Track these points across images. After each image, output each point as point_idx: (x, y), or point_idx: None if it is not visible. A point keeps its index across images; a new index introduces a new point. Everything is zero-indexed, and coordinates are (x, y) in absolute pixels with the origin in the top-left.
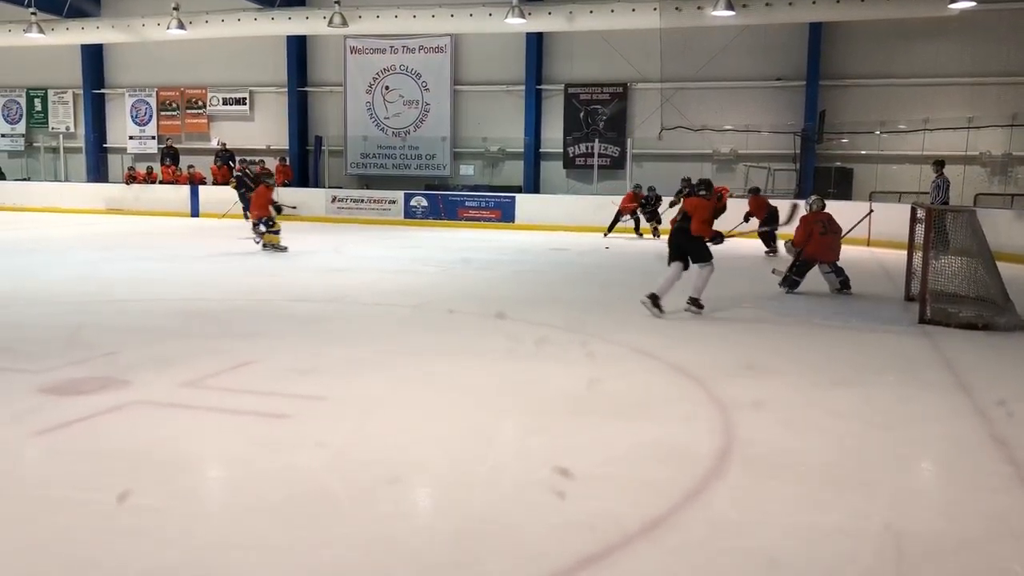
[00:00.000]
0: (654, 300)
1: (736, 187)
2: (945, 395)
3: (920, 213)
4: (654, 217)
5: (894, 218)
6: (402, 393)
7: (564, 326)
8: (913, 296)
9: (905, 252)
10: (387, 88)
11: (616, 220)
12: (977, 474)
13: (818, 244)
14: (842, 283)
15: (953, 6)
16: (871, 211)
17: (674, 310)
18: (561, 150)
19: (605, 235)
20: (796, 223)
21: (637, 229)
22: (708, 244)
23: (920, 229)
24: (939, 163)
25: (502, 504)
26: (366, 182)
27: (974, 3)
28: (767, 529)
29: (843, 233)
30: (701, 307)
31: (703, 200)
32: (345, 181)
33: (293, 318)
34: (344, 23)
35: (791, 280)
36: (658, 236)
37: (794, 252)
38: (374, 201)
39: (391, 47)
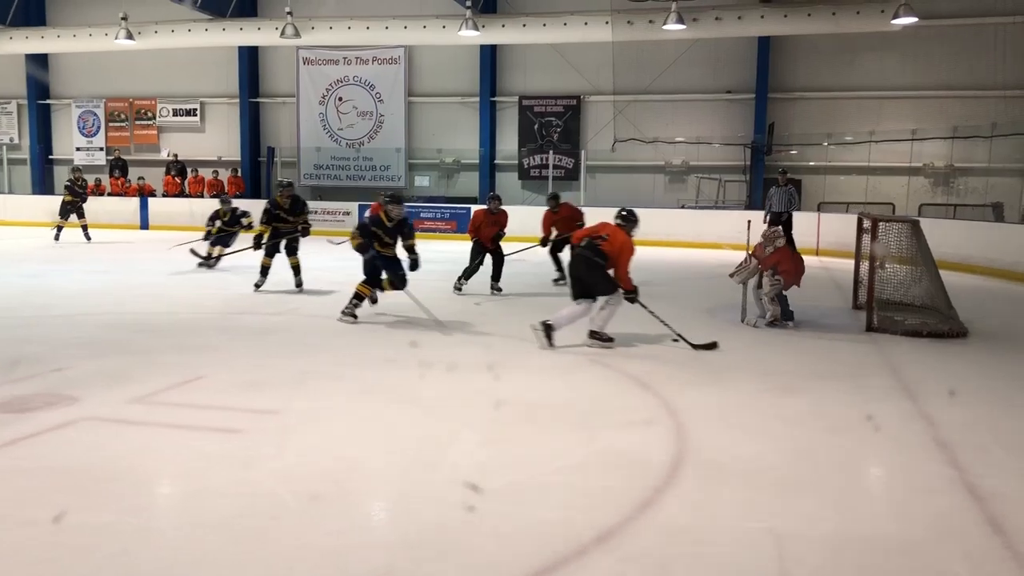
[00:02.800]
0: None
1: (688, 198)
2: (891, 401)
3: (866, 223)
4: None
5: (841, 228)
6: (354, 405)
7: (518, 336)
8: (860, 305)
9: (852, 261)
10: (340, 99)
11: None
12: (922, 477)
13: (797, 263)
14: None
15: (896, 21)
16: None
17: (633, 319)
18: (516, 161)
19: None
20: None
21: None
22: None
23: (867, 239)
24: (783, 172)
25: (454, 514)
26: (319, 193)
27: (916, 19)
28: (719, 535)
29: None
30: (609, 340)
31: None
32: (298, 192)
33: (244, 331)
34: (296, 34)
35: (787, 312)
36: None
37: (778, 288)
38: (328, 212)
39: (344, 58)
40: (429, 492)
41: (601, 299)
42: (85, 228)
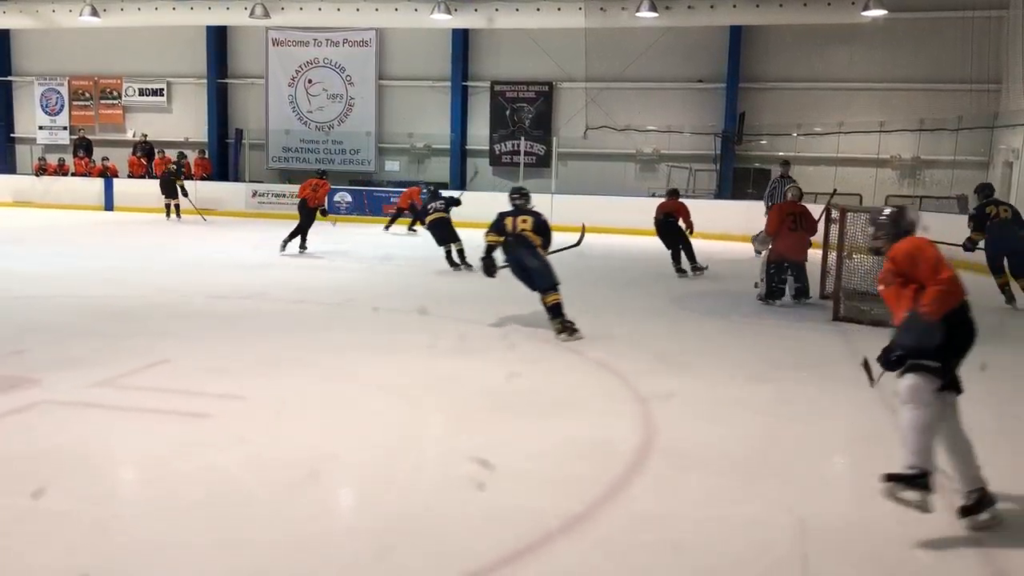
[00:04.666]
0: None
1: (659, 187)
2: (855, 389)
3: (834, 214)
4: None
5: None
6: (323, 391)
7: (487, 322)
8: (828, 294)
9: (820, 252)
10: (310, 81)
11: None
12: (883, 464)
13: (787, 241)
14: (797, 291)
15: (865, 13)
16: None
17: (599, 304)
18: (487, 147)
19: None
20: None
21: None
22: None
23: (834, 229)
24: (785, 163)
25: (423, 501)
26: (288, 176)
27: (885, 12)
28: (686, 522)
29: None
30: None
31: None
32: (266, 175)
33: (210, 315)
34: (266, 14)
35: (775, 291)
36: None
37: (762, 241)
38: (295, 196)
39: (315, 40)
40: (397, 479)
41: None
42: (178, 207)
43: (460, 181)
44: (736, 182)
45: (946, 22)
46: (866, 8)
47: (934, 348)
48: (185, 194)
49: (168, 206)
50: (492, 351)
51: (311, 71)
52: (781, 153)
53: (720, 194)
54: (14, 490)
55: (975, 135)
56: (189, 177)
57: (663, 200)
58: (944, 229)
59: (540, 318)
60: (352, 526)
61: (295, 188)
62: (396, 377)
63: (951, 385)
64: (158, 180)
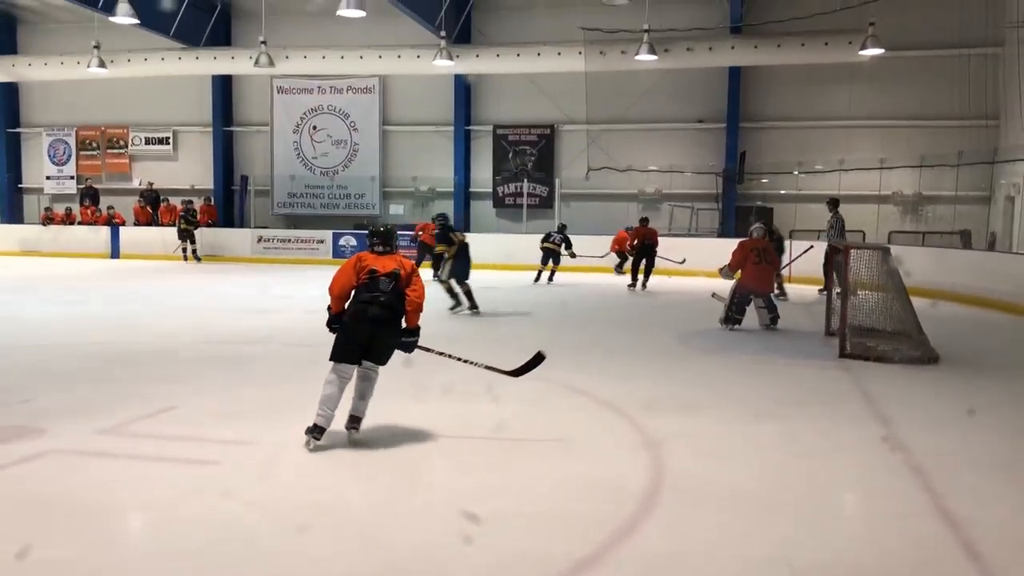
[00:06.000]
0: (315, 430)
1: (661, 225)
2: (864, 426)
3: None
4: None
5: (812, 255)
6: (330, 435)
7: (497, 363)
8: (833, 331)
9: (821, 288)
10: (315, 128)
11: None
12: (897, 503)
13: (752, 273)
14: (771, 319)
15: (863, 53)
16: (811, 247)
17: (602, 342)
18: (491, 189)
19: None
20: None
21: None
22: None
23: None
24: (833, 201)
25: (429, 546)
26: (293, 222)
27: (883, 50)
28: (698, 560)
29: (781, 267)
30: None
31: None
32: (271, 221)
33: (217, 361)
34: (271, 63)
35: (732, 318)
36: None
37: (727, 274)
38: (301, 241)
39: (319, 87)
40: (406, 522)
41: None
42: (195, 251)
43: (464, 223)
44: (738, 220)
45: (943, 60)
46: (864, 47)
47: None
48: (193, 241)
49: (185, 250)
50: (497, 392)
51: (316, 118)
52: (783, 191)
53: (723, 232)
54: (14, 538)
55: (976, 170)
56: (197, 224)
57: (640, 228)
58: (948, 264)
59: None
60: (357, 571)
61: (300, 233)
62: (400, 419)
63: None
64: (176, 226)
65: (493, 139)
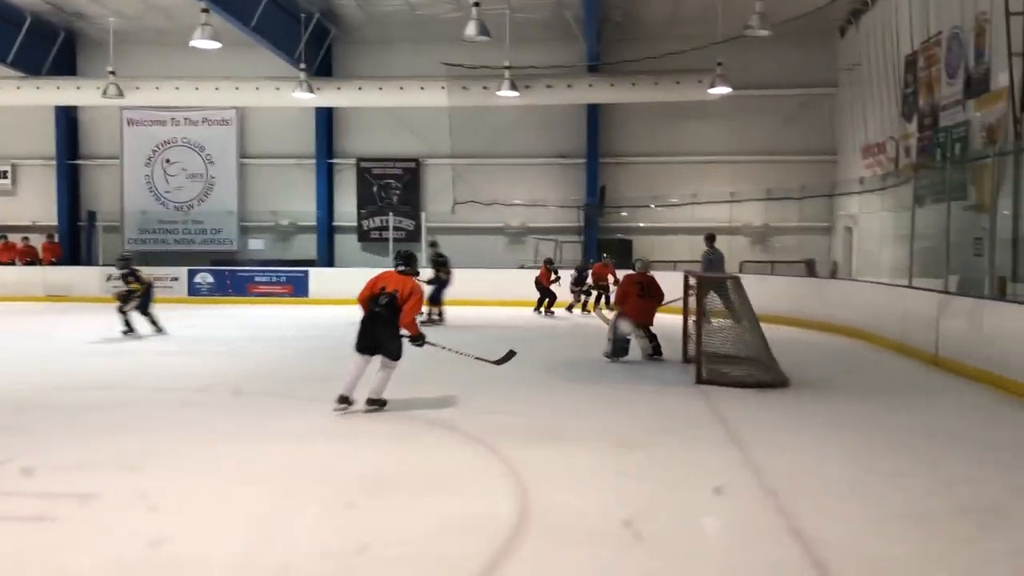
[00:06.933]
0: (343, 400)
1: (527, 259)
2: (722, 451)
3: (692, 281)
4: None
5: (669, 286)
6: (185, 484)
7: (359, 402)
8: (690, 358)
9: (680, 317)
10: (168, 161)
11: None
12: (753, 526)
13: (635, 305)
14: (654, 348)
15: (712, 91)
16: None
17: (470, 376)
18: (355, 223)
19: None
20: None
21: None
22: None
23: (693, 296)
24: (710, 237)
25: None
26: (146, 259)
27: (730, 89)
28: None
29: (664, 302)
30: (383, 404)
31: (416, 283)
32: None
33: (60, 408)
34: (120, 94)
35: (618, 349)
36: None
37: (614, 313)
38: (155, 278)
39: (172, 119)
40: (267, 572)
41: (378, 360)
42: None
43: (328, 257)
44: (601, 252)
45: (786, 98)
46: (712, 86)
47: None
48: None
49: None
50: (366, 431)
51: (169, 150)
52: (641, 224)
53: (585, 266)
54: None
55: (817, 203)
56: (38, 262)
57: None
58: (794, 292)
59: (415, 395)
60: None
61: (153, 270)
62: (265, 463)
63: None
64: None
65: (357, 173)
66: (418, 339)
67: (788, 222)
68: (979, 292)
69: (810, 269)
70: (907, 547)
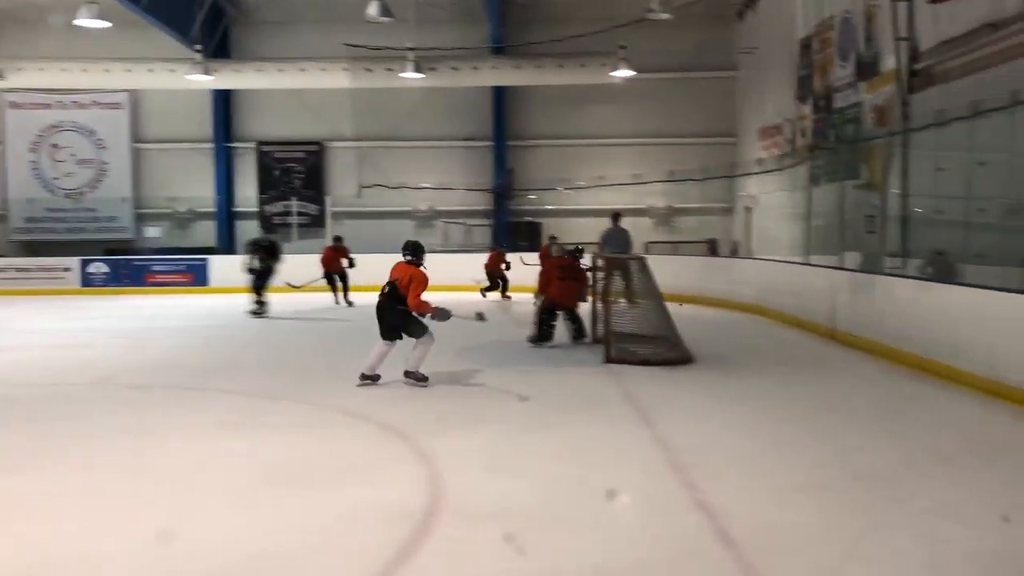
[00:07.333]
0: (364, 378)
1: (437, 243)
2: (631, 428)
3: (600, 262)
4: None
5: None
6: (79, 482)
7: (263, 393)
8: (599, 338)
9: (589, 298)
10: (56, 146)
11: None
12: (661, 500)
13: (557, 288)
14: (576, 331)
15: (615, 74)
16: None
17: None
18: (256, 209)
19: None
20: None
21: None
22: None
23: (601, 276)
24: (616, 215)
25: None
26: (34, 249)
27: (633, 73)
28: None
29: (591, 284)
30: (419, 379)
31: (416, 269)
32: (8, 249)
33: None
34: (1, 76)
35: (543, 334)
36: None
37: (539, 300)
38: (44, 269)
39: (59, 102)
40: (166, 571)
41: (413, 339)
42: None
43: (228, 245)
44: (510, 235)
45: (686, 82)
46: (615, 69)
47: None
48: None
49: None
50: (263, 422)
51: (56, 135)
52: (550, 207)
53: (496, 248)
54: None
55: (718, 184)
56: None
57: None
58: (697, 271)
59: (323, 385)
60: None
61: (43, 261)
62: (164, 459)
63: None
64: None
65: (257, 157)
66: (436, 315)
67: (691, 203)
68: (879, 268)
69: (712, 248)
70: (807, 516)
